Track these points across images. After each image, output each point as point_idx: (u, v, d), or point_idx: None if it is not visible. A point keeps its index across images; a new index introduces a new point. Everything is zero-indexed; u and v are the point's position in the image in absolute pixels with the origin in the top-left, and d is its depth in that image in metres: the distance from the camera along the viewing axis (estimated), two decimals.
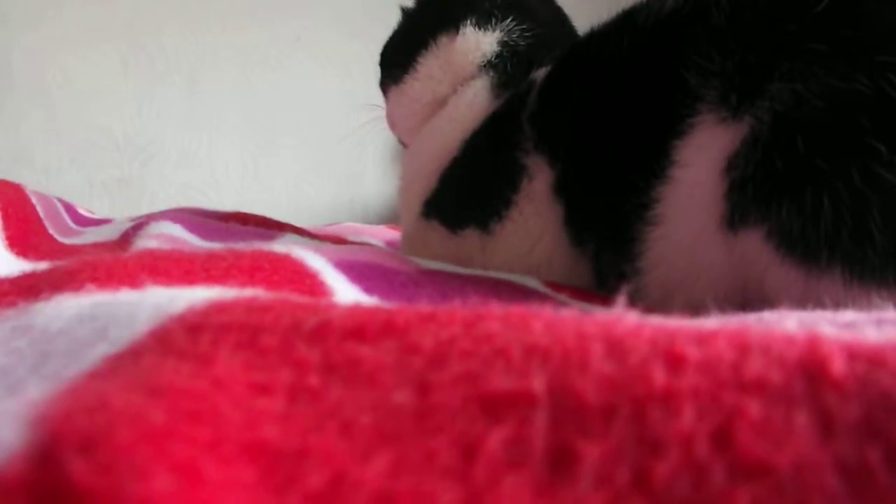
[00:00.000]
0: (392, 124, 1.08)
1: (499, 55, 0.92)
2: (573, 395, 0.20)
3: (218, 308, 0.29)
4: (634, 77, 0.67)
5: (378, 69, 1.08)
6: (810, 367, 0.21)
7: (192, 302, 0.30)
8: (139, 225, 0.89)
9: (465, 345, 0.23)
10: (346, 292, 0.49)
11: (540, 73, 0.84)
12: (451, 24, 0.95)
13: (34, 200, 0.98)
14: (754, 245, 0.54)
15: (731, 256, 0.57)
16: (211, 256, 0.46)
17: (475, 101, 0.90)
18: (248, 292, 0.33)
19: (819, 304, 0.48)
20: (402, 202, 0.99)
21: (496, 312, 0.25)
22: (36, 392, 0.26)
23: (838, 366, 0.21)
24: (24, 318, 0.35)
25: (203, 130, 2.41)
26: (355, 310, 0.27)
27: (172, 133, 2.39)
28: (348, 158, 2.48)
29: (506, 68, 0.91)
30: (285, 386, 0.23)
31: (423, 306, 0.27)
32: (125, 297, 0.35)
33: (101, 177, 2.32)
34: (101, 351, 0.29)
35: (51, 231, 0.94)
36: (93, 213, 1.49)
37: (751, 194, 0.54)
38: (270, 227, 1.01)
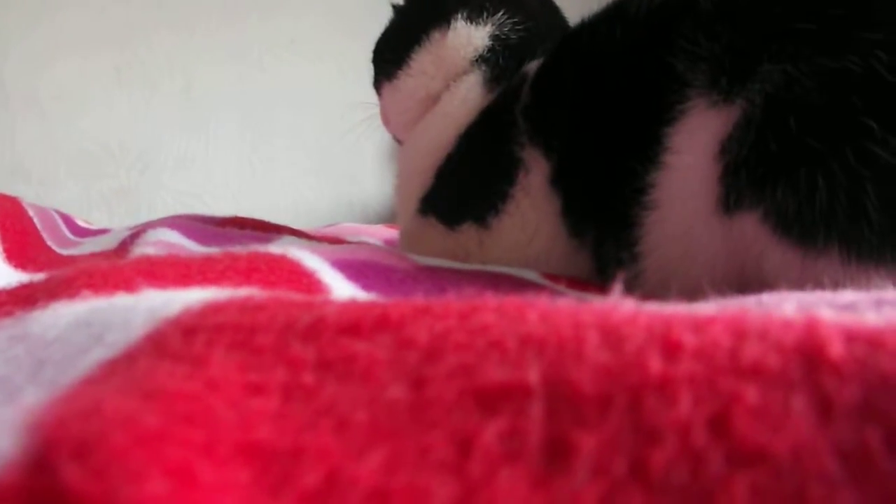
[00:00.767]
0: (386, 121, 1.08)
1: (490, 49, 0.92)
2: (569, 386, 0.20)
3: (213, 309, 0.29)
4: (626, 66, 0.67)
5: (371, 67, 1.08)
6: (808, 351, 0.20)
7: (187, 304, 0.30)
8: (137, 233, 0.89)
9: (460, 337, 0.23)
10: (343, 290, 0.49)
11: (532, 66, 0.85)
12: (443, 19, 0.95)
13: (31, 213, 0.98)
14: (750, 227, 0.54)
15: (727, 239, 0.57)
16: (207, 259, 0.46)
17: (468, 96, 0.91)
18: (244, 292, 0.33)
19: (818, 285, 0.48)
20: (398, 200, 1.00)
21: (491, 304, 0.25)
22: (32, 400, 0.26)
23: (837, 349, 0.20)
24: (21, 327, 0.35)
25: (199, 136, 2.41)
26: (350, 305, 0.27)
27: (168, 139, 2.39)
28: (346, 159, 2.49)
29: (498, 62, 0.91)
30: (280, 385, 0.23)
31: (419, 299, 0.27)
32: (121, 301, 0.35)
33: (98, 187, 2.32)
34: (96, 356, 0.29)
35: (49, 243, 0.94)
36: (91, 224, 1.49)
37: (745, 177, 0.54)
38: (268, 230, 1.01)
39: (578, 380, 0.20)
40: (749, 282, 0.57)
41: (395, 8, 1.07)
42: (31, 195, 1.95)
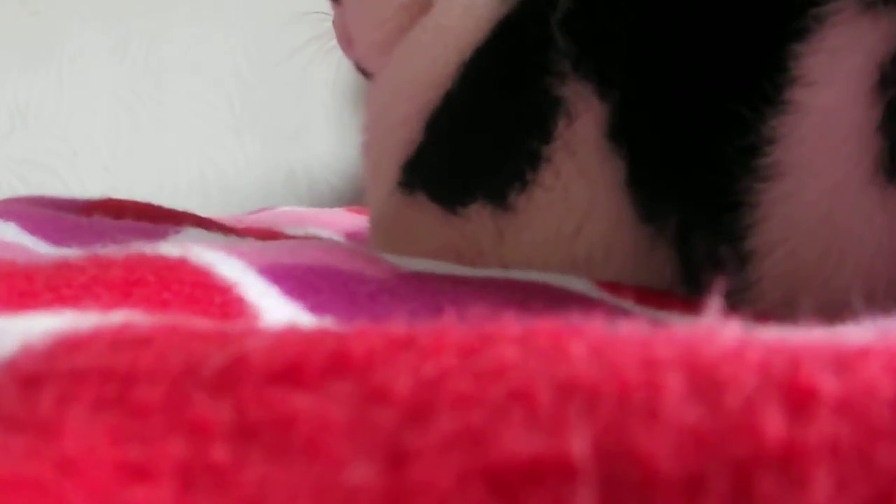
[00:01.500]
0: (346, 41, 1.08)
1: None
2: (635, 462, 0.20)
3: (69, 345, 0.29)
4: None
5: None
6: None
7: (26, 339, 0.30)
8: None
9: (463, 385, 0.23)
10: (279, 313, 0.49)
11: None
12: None
13: None
14: None
15: (893, 222, 0.57)
16: (61, 268, 0.46)
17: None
18: (116, 316, 0.33)
19: None
20: (368, 168, 0.99)
21: (512, 332, 0.25)
22: None
23: None
24: None
25: (48, 69, 2.41)
26: (287, 335, 0.27)
27: (3, 74, 2.38)
28: (283, 104, 2.50)
29: None
30: (175, 465, 0.23)
31: (397, 326, 0.27)
32: None
33: None
34: None
35: None
36: None
37: None
38: (159, 219, 1.00)
39: (651, 452, 0.20)
40: None
41: None
42: None
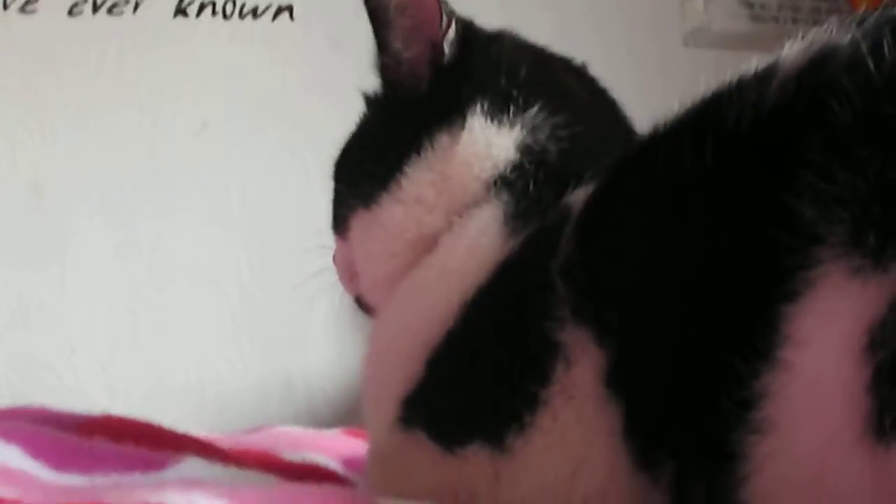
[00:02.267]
0: (347, 276, 1.10)
1: (517, 167, 0.94)
2: None
3: None
4: (722, 205, 0.69)
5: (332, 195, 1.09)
6: None
7: None
8: None
9: None
10: None
11: (578, 197, 0.86)
12: (455, 114, 0.97)
13: None
14: None
15: (883, 481, 0.57)
16: None
17: (479, 241, 0.92)
18: None
19: None
20: (368, 399, 0.99)
21: None
22: None
23: None
24: None
25: (51, 268, 2.42)
26: None
27: (2, 273, 2.39)
28: (282, 314, 2.50)
29: (526, 188, 0.93)
30: None
31: None
32: None
33: None
34: None
35: None
36: None
37: None
38: (160, 444, 1.00)
39: None
40: None
41: (371, 100, 1.09)
42: None
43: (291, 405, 2.43)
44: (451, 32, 0.99)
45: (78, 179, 2.45)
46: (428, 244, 0.96)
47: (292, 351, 2.53)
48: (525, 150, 0.94)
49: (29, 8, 2.49)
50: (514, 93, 0.96)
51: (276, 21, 2.61)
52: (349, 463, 1.22)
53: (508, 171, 0.94)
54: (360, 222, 1.02)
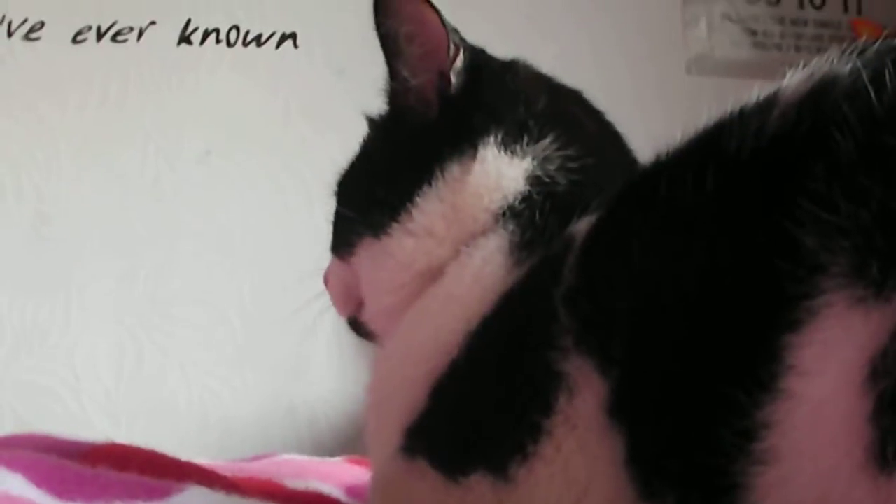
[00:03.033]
0: (343, 299, 1.10)
1: (525, 198, 0.94)
2: None
3: None
4: (724, 235, 0.69)
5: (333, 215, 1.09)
6: None
7: None
8: None
9: None
10: None
11: (582, 226, 0.86)
12: (467, 145, 0.97)
13: None
14: None
15: None
16: None
17: (485, 270, 0.92)
18: None
19: None
20: (371, 427, 0.99)
21: None
22: None
23: None
24: None
25: (56, 294, 2.43)
26: None
27: (9, 297, 2.40)
28: (285, 342, 2.49)
29: (533, 219, 0.93)
30: None
31: None
32: None
33: None
34: None
35: None
36: None
37: None
38: (163, 472, 1.00)
39: None
40: None
41: (375, 124, 1.09)
42: None
43: (294, 432, 2.43)
44: (459, 62, 0.99)
45: (83, 207, 2.46)
46: (435, 274, 0.96)
47: (295, 378, 2.53)
48: (534, 180, 0.94)
49: (33, 35, 2.50)
50: (531, 123, 0.97)
51: (279, 49, 2.63)
52: (352, 491, 1.22)
53: (517, 202, 0.94)
54: (369, 251, 1.02)
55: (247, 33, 2.62)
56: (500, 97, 0.99)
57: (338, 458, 1.72)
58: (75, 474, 0.91)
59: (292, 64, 2.63)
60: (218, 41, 2.61)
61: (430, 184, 0.97)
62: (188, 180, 2.54)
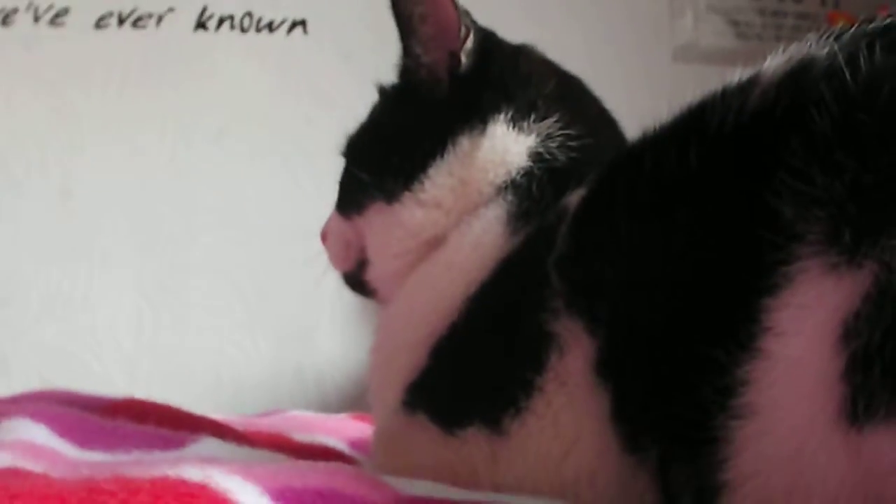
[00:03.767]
0: (342, 253, 1.10)
1: (526, 172, 0.95)
2: None
3: None
4: (706, 207, 0.70)
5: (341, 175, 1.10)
6: None
7: None
8: None
9: None
10: None
11: (574, 197, 0.86)
12: (477, 119, 0.98)
13: None
14: (889, 447, 0.56)
15: (856, 463, 0.58)
16: (92, 491, 0.47)
17: (484, 238, 0.93)
18: None
19: None
20: (375, 385, 1.00)
21: None
22: None
23: None
24: None
25: (78, 263, 2.43)
26: None
27: (34, 267, 2.40)
28: (293, 307, 2.51)
29: (530, 191, 0.94)
30: None
31: None
32: None
33: None
34: None
35: None
36: None
37: (879, 374, 0.55)
38: (179, 424, 1.00)
39: None
40: None
41: (386, 93, 1.09)
42: None
43: (302, 391, 2.44)
44: (470, 43, 1.00)
45: (105, 183, 2.46)
46: (438, 241, 0.97)
47: (303, 341, 2.54)
48: (536, 156, 0.95)
49: (58, 21, 2.50)
50: (539, 103, 0.97)
51: (290, 35, 2.62)
52: (355, 444, 1.22)
53: (518, 175, 0.94)
54: (379, 216, 1.02)
55: (259, 20, 2.61)
56: (512, 78, 1.00)
57: (342, 415, 1.73)
58: (96, 426, 0.92)
59: (301, 49, 2.62)
60: (232, 27, 2.60)
61: (441, 156, 0.98)
62: (203, 158, 2.54)
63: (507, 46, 1.05)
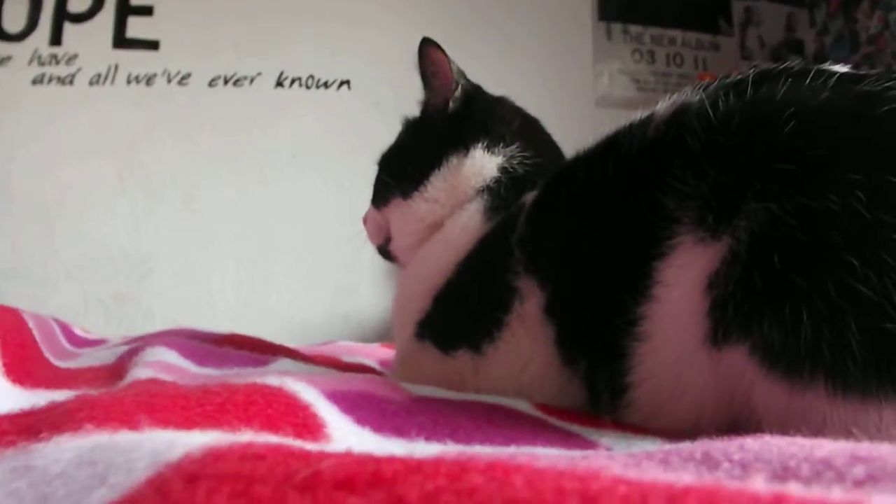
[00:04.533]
0: (376, 234, 1.09)
1: (497, 180, 0.94)
2: None
3: (214, 455, 0.30)
4: (618, 201, 0.70)
5: (373, 177, 1.09)
6: None
7: (189, 449, 0.31)
8: (134, 350, 0.89)
9: (449, 498, 0.24)
10: (338, 423, 0.49)
11: (529, 197, 0.86)
12: (462, 146, 0.97)
13: (31, 324, 0.99)
14: (738, 361, 0.56)
15: (716, 372, 0.59)
16: (206, 392, 0.47)
17: (469, 224, 0.93)
18: (244, 437, 0.34)
19: (802, 422, 0.50)
20: (396, 322, 1.00)
21: (480, 464, 0.26)
22: None
23: None
24: (24, 459, 0.35)
25: (199, 245, 2.44)
26: (346, 458, 0.28)
27: (169, 248, 2.41)
28: (342, 272, 2.51)
29: (500, 192, 0.93)
30: None
31: (412, 458, 0.28)
32: (123, 439, 0.36)
33: (97, 292, 2.34)
34: (99, 497, 0.30)
35: (47, 355, 0.94)
36: (88, 331, 1.50)
37: (732, 311, 0.56)
38: (264, 350, 1.01)
39: None
40: (738, 412, 0.58)
41: (408, 123, 1.09)
42: (30, 297, 1.97)
43: (349, 329, 2.46)
44: (458, 93, 1.01)
45: (216, 192, 2.48)
46: (438, 226, 0.97)
47: (350, 295, 2.55)
48: (503, 170, 0.95)
49: (184, 82, 2.50)
50: (507, 136, 0.97)
51: (339, 90, 2.62)
52: (384, 363, 1.22)
53: (492, 182, 0.94)
54: (399, 208, 1.02)
55: (318, 80, 2.61)
56: (490, 117, 1.00)
57: (375, 344, 1.74)
58: (209, 351, 0.92)
59: (347, 100, 2.63)
60: (300, 86, 2.60)
61: (439, 168, 0.98)
62: (281, 174, 2.55)
63: (489, 96, 1.06)
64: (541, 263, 0.78)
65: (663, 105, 0.71)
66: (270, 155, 2.55)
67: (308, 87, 2.61)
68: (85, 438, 0.37)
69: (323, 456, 0.28)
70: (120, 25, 2.51)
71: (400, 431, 0.51)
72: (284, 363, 0.90)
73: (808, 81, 0.61)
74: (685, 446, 0.40)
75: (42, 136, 2.39)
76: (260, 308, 2.46)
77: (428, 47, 1.00)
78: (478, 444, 0.48)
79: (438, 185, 0.97)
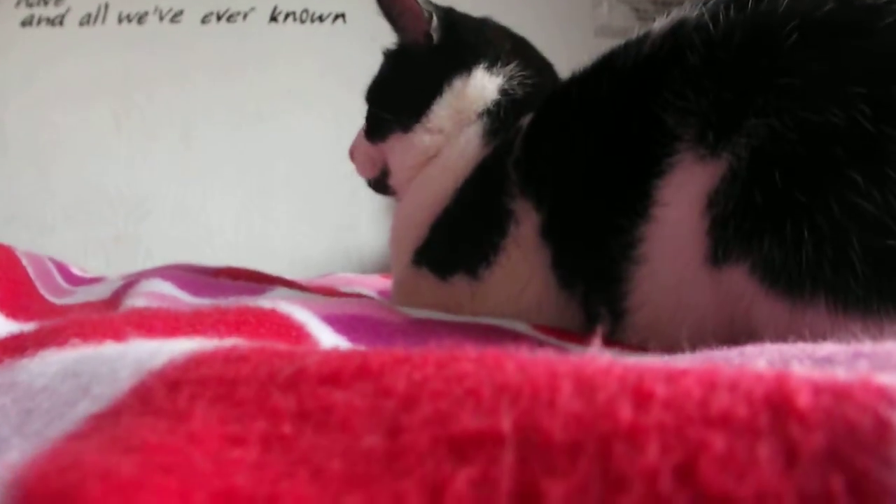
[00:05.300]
0: (368, 165, 1.07)
1: (497, 102, 0.92)
2: (540, 433, 0.21)
3: (197, 361, 0.30)
4: (614, 119, 0.68)
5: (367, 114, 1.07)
6: (776, 402, 0.21)
7: (172, 356, 0.31)
8: (130, 283, 0.89)
9: (437, 385, 0.24)
10: (332, 342, 0.49)
11: (526, 120, 0.85)
12: (465, 67, 0.94)
13: (25, 262, 0.99)
14: (739, 280, 0.55)
15: (717, 292, 0.58)
16: (197, 313, 0.46)
17: (467, 148, 0.91)
18: (229, 342, 0.33)
19: (805, 337, 0.49)
20: (393, 251, 0.99)
21: (470, 354, 0.26)
22: (18, 452, 0.26)
23: (804, 399, 0.21)
24: (8, 376, 0.35)
25: (197, 185, 2.44)
26: (331, 354, 0.27)
27: (167, 188, 2.41)
28: (342, 208, 2.51)
29: (499, 115, 0.91)
30: (259, 436, 0.23)
31: (399, 349, 0.27)
32: (108, 350, 0.35)
33: (96, 234, 2.34)
34: (83, 409, 0.29)
35: (42, 291, 0.94)
36: (86, 271, 1.50)
37: (732, 230, 0.55)
38: (261, 281, 1.01)
39: (549, 427, 0.21)
40: (739, 334, 0.57)
41: (391, 54, 1.05)
42: (29, 241, 1.96)
43: (349, 261, 2.48)
44: (435, 23, 0.97)
45: (214, 129, 2.47)
46: (436, 153, 0.95)
47: (350, 230, 2.55)
48: (503, 91, 0.93)
49: (176, 19, 2.46)
50: (503, 56, 0.95)
51: (334, 24, 2.59)
52: (381, 293, 1.22)
53: (492, 104, 0.92)
54: (399, 142, 0.98)
55: (313, 13, 2.58)
56: (482, 40, 0.97)
57: (374, 275, 1.74)
58: (204, 282, 0.92)
59: (342, 34, 2.59)
60: (294, 20, 2.57)
61: (441, 95, 0.94)
62: (277, 109, 2.53)
63: (471, 18, 1.02)
64: (536, 185, 0.77)
65: (660, 22, 0.68)
66: (266, 92, 2.52)
67: (302, 22, 2.58)
68: (71, 352, 0.36)
69: (309, 353, 0.28)
70: None
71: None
72: (280, 291, 0.90)
73: None
74: (685, 356, 0.39)
75: (34, 80, 2.37)
76: (260, 245, 2.46)
77: None
78: None
79: (441, 114, 0.94)
